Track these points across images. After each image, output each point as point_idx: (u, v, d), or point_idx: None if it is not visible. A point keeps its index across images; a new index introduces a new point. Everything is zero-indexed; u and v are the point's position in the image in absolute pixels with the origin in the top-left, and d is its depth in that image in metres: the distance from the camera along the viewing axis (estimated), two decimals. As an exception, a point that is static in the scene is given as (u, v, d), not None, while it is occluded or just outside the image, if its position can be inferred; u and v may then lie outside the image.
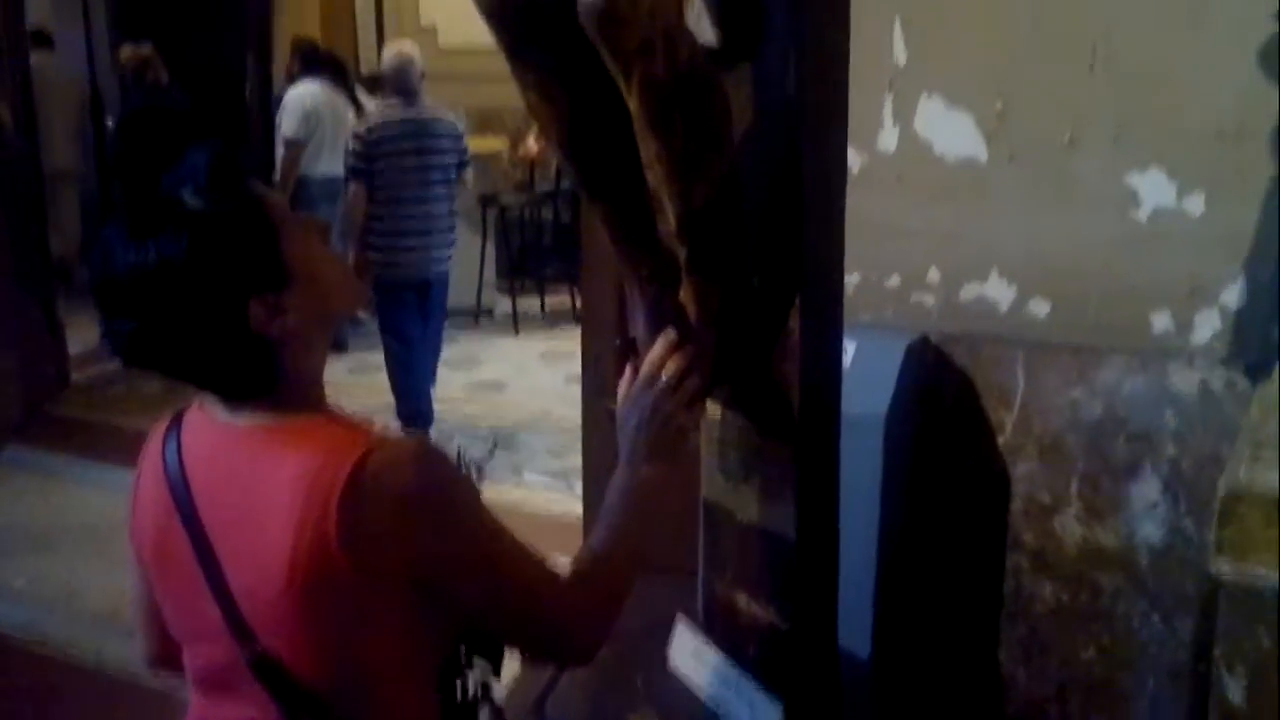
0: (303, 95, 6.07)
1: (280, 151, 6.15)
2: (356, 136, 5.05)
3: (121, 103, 6.16)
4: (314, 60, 6.20)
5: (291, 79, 6.20)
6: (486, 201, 7.12)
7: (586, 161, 1.58)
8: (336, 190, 5.59)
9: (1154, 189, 2.13)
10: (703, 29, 1.62)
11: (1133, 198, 2.15)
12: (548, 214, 7.58)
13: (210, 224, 1.24)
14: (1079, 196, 2.20)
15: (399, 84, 5.05)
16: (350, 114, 6.10)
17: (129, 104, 6.11)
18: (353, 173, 5.03)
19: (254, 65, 7.21)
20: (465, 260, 6.88)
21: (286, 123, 6.03)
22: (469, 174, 5.41)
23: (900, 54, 2.22)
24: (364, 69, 7.65)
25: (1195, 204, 2.11)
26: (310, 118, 6.01)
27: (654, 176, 1.51)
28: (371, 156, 4.96)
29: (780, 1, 1.59)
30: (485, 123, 7.72)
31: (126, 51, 6.46)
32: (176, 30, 7.06)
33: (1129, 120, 2.13)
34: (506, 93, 1.57)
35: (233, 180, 1.29)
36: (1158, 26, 2.07)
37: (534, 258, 7.58)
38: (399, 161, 4.99)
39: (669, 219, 1.56)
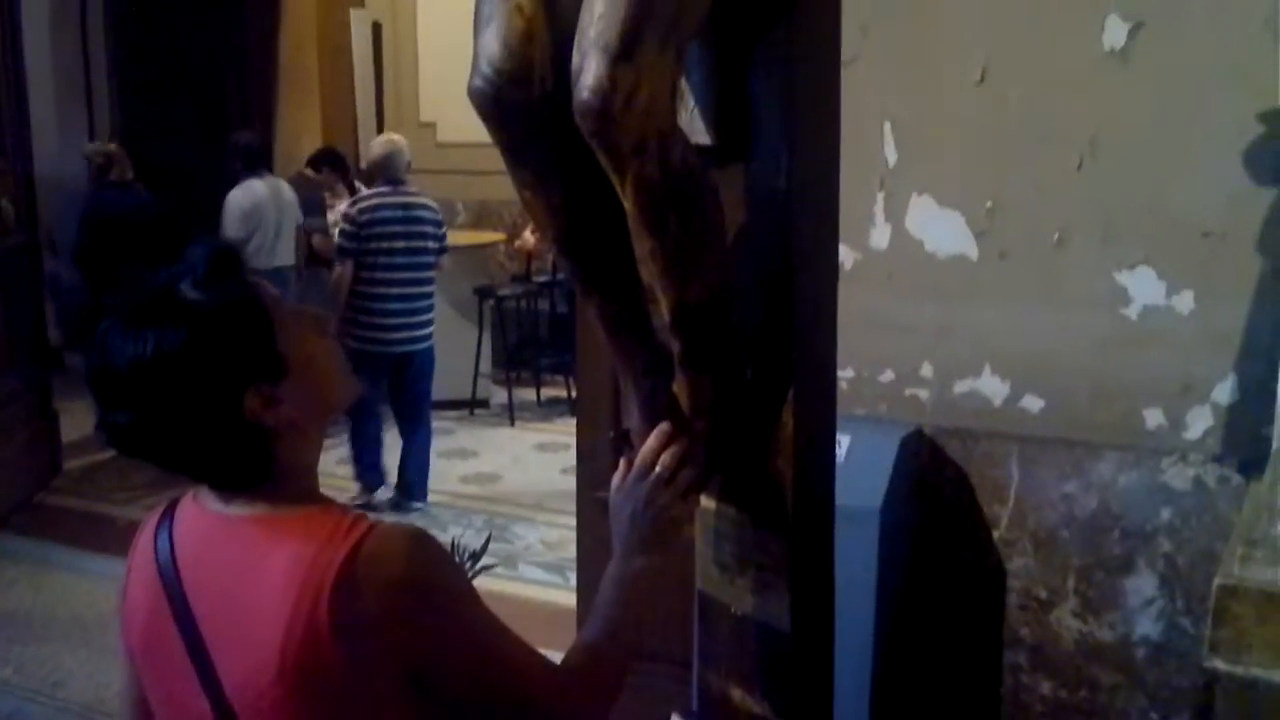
0: (242, 196, 6.22)
1: None
2: (347, 218, 5.34)
3: (87, 198, 6.29)
4: (254, 159, 6.36)
5: (234, 178, 6.33)
6: (483, 293, 7.18)
7: (581, 257, 1.60)
8: (285, 281, 5.97)
9: (1143, 287, 2.16)
10: (696, 128, 1.65)
11: (1122, 295, 2.18)
12: (544, 305, 7.62)
13: (208, 316, 1.26)
14: (1069, 294, 2.23)
15: (387, 171, 5.38)
16: (297, 205, 6.36)
17: (94, 199, 6.25)
18: (341, 251, 5.33)
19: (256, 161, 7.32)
20: (461, 352, 6.92)
21: (227, 223, 6.18)
22: (446, 259, 5.69)
23: (891, 154, 2.27)
24: (363, 163, 7.77)
25: (1185, 302, 2.13)
26: (250, 217, 6.16)
27: (648, 272, 1.53)
28: (361, 237, 5.24)
29: (772, 102, 1.63)
30: (483, 216, 7.82)
31: (90, 148, 6.60)
32: (182, 126, 7.17)
33: (1117, 219, 2.17)
34: (504, 186, 1.60)
35: (231, 274, 1.31)
36: (1144, 127, 2.12)
37: (530, 349, 7.61)
38: (386, 243, 5.27)
39: (663, 313, 1.57)
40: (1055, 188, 2.21)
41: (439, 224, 5.54)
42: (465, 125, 1.55)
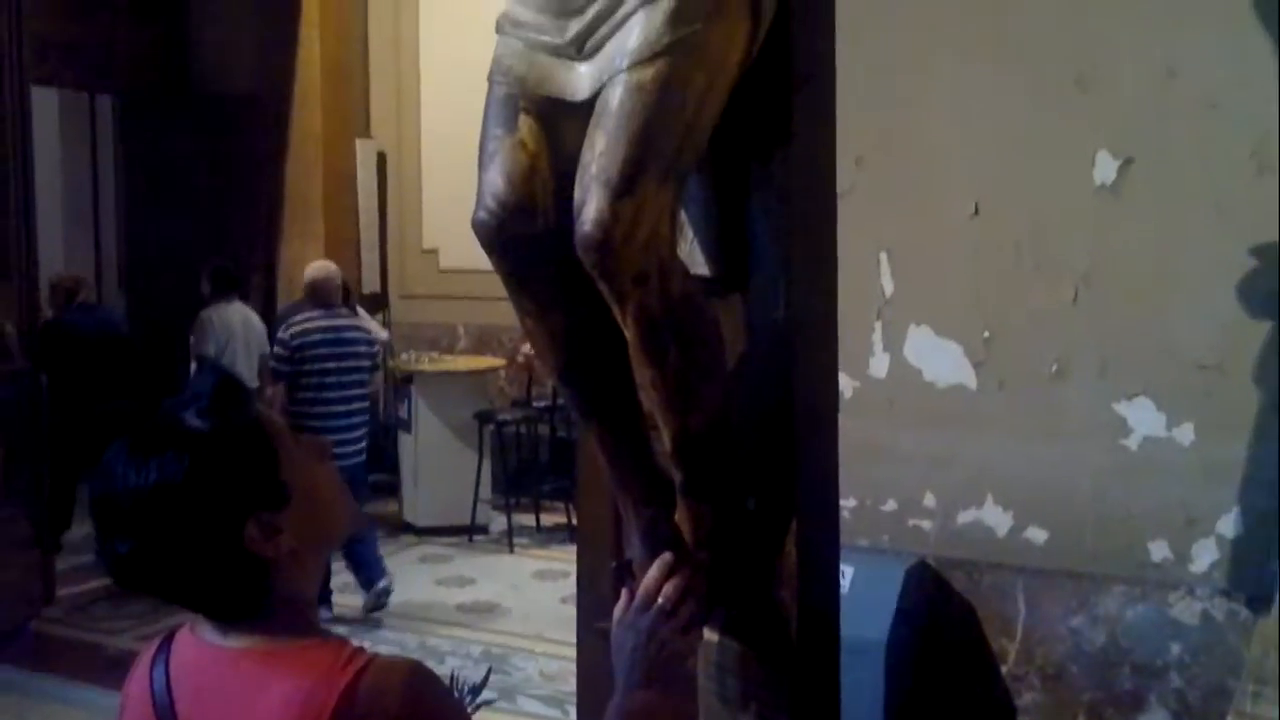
0: (212, 316, 6.43)
1: (194, 367, 6.55)
2: (279, 342, 5.52)
3: (53, 319, 6.50)
4: (225, 283, 6.55)
5: (206, 300, 6.53)
6: (483, 418, 7.18)
7: (582, 386, 1.61)
8: None
9: (1143, 418, 2.17)
10: (695, 259, 1.68)
11: (1122, 426, 2.19)
12: (544, 430, 7.62)
13: (211, 444, 1.25)
14: (1069, 424, 2.24)
15: (319, 295, 5.61)
16: (263, 331, 6.48)
17: (62, 319, 6.46)
18: (275, 374, 5.53)
19: (259, 285, 7.42)
20: (460, 477, 6.89)
21: (198, 339, 6.40)
22: (379, 377, 6.03)
23: (888, 284, 2.30)
24: (365, 289, 7.85)
25: (1185, 433, 2.14)
26: (219, 337, 6.35)
27: (649, 400, 1.54)
28: (293, 360, 5.43)
29: (770, 233, 1.65)
30: (484, 341, 7.87)
31: (57, 275, 6.83)
32: (186, 251, 7.26)
33: (1114, 350, 2.19)
34: (505, 312, 1.62)
35: (236, 403, 1.31)
36: (1137, 260, 2.15)
37: (530, 474, 7.58)
38: (318, 365, 5.45)
39: (664, 441, 1.57)
40: (1052, 319, 2.23)
41: (371, 344, 5.74)
42: (467, 252, 1.58)
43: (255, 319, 6.48)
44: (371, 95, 8.13)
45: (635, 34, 1.46)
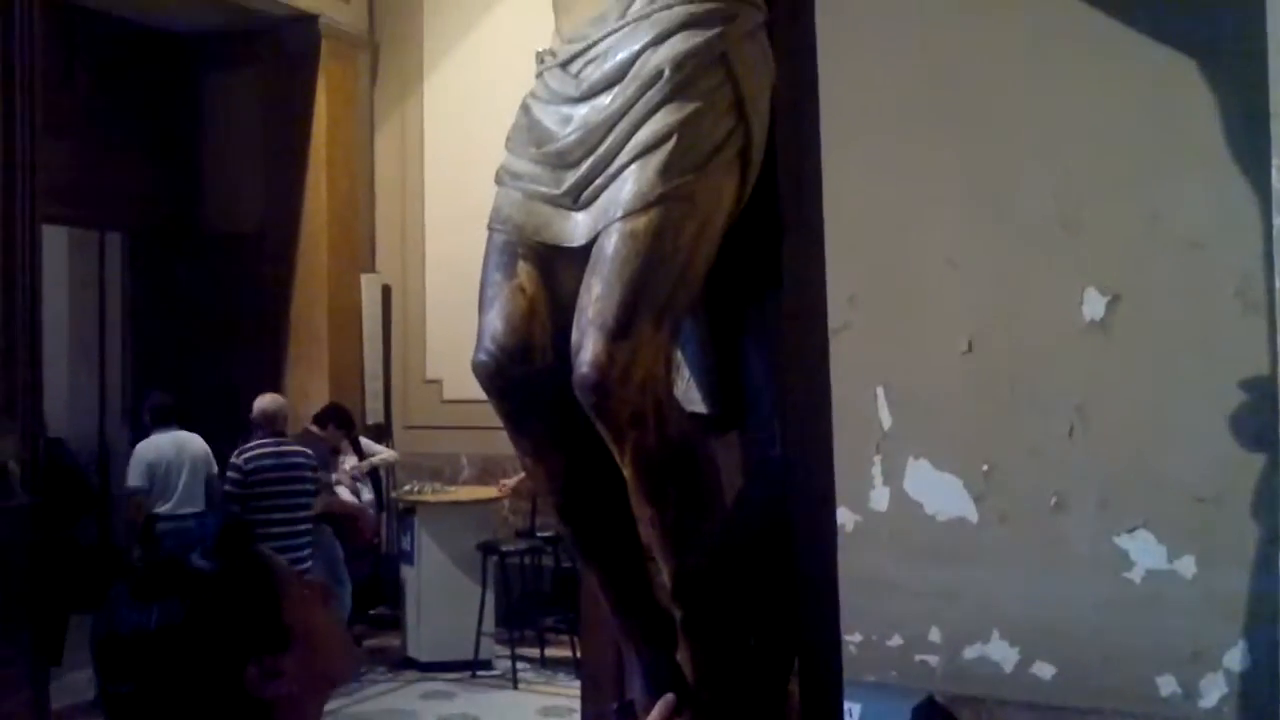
0: (147, 448, 6.53)
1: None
2: (234, 468, 5.91)
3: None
4: (161, 415, 6.66)
5: (145, 430, 6.66)
6: (486, 549, 7.12)
7: (581, 525, 1.62)
8: (188, 527, 6.29)
9: (1144, 551, 2.16)
10: (692, 398, 1.70)
11: (1124, 560, 2.18)
12: (548, 561, 7.55)
13: (213, 586, 1.26)
14: (1071, 558, 2.23)
15: (272, 424, 6.05)
16: (208, 458, 6.57)
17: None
18: (228, 498, 5.93)
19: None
20: (463, 610, 6.80)
21: (131, 472, 6.50)
22: (319, 501, 6.22)
23: (886, 418, 2.32)
24: (369, 419, 7.88)
25: (1187, 566, 2.13)
26: (153, 468, 6.47)
27: (648, 538, 1.54)
28: (246, 484, 5.83)
29: (765, 372, 1.68)
30: (487, 471, 7.86)
31: None
32: (187, 385, 7.32)
33: (1113, 484, 2.19)
34: (508, 442, 1.63)
35: (240, 545, 1.32)
36: (1130, 395, 2.18)
37: (534, 606, 7.49)
38: (268, 489, 5.86)
39: (664, 579, 1.58)
40: (1049, 452, 2.24)
41: (314, 468, 6.09)
42: (470, 382, 1.61)
43: (196, 444, 6.60)
44: (377, 231, 8.30)
45: (629, 185, 1.52)
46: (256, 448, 5.95)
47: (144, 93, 7.82)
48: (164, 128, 7.99)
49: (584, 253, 1.56)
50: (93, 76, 7.42)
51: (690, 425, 1.54)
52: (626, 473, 1.48)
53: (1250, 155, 2.06)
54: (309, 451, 6.12)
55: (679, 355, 1.68)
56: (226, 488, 5.97)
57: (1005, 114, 2.22)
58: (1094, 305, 2.20)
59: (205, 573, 1.27)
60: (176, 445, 6.58)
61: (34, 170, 5.72)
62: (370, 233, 8.27)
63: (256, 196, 8.02)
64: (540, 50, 1.76)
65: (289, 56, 7.82)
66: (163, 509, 6.48)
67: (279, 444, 6.03)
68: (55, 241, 7.42)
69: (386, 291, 8.29)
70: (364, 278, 8.15)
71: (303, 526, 6.01)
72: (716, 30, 1.56)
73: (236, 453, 6.06)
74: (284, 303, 7.99)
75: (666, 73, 1.53)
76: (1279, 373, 1.92)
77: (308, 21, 7.67)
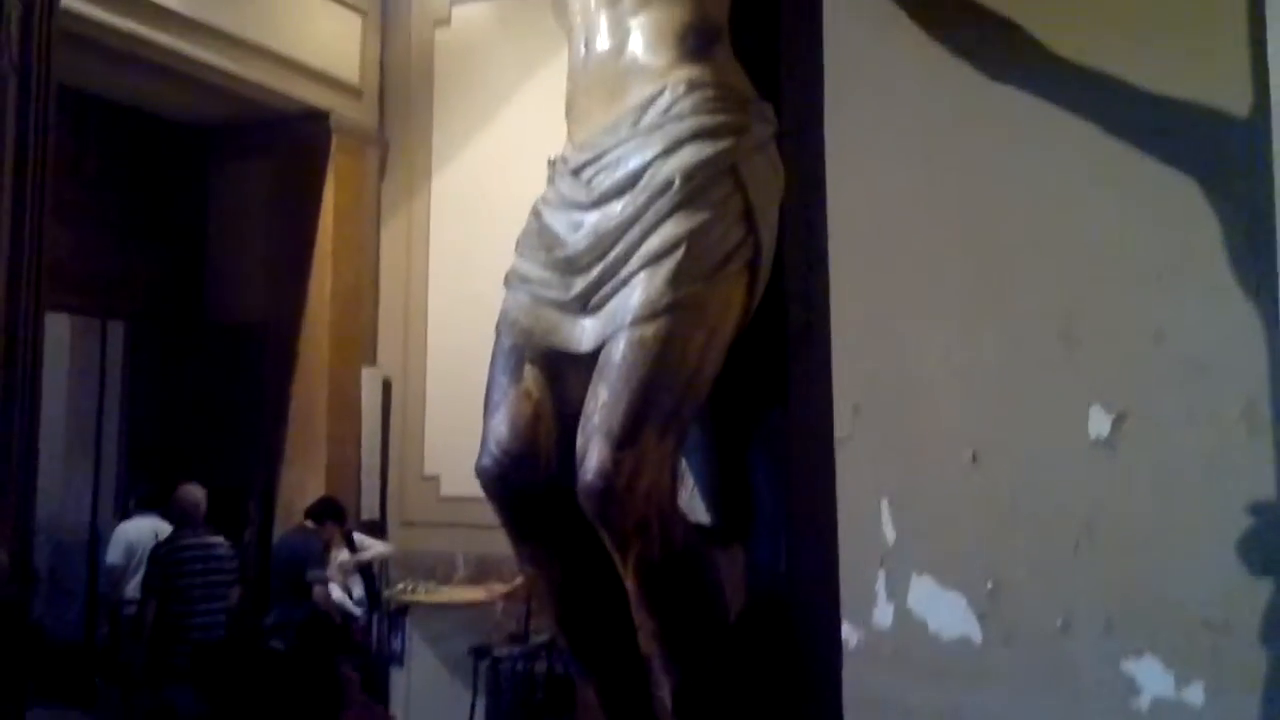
0: (128, 529, 6.83)
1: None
2: (153, 558, 6.11)
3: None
4: (146, 503, 6.90)
5: (126, 514, 7.01)
6: (478, 653, 6.99)
7: (580, 635, 1.59)
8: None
9: (1151, 677, 2.11)
10: (696, 507, 1.68)
11: (1131, 685, 2.13)
12: (541, 667, 7.41)
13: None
14: (1077, 682, 2.18)
15: (188, 517, 6.22)
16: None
17: None
18: (146, 589, 6.09)
19: (255, 512, 7.41)
20: (452, 718, 6.66)
21: (111, 551, 6.81)
22: (235, 592, 6.37)
23: (890, 532, 2.29)
24: (364, 515, 7.81)
25: (1195, 694, 2.08)
26: (132, 549, 6.71)
27: (649, 650, 1.51)
28: (166, 575, 6.01)
29: (770, 484, 1.67)
30: (483, 571, 7.76)
31: None
32: (182, 477, 7.27)
33: (1119, 606, 2.15)
34: (504, 541, 1.61)
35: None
36: (1136, 515, 2.15)
37: (527, 714, 7.33)
38: (187, 580, 6.02)
39: (664, 694, 1.54)
40: (1055, 572, 2.21)
41: (234, 558, 6.31)
42: (469, 479, 1.59)
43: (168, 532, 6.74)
44: (380, 325, 8.33)
45: (638, 293, 1.52)
46: (177, 538, 6.16)
47: (153, 181, 7.91)
48: (171, 217, 8.08)
49: (591, 359, 1.55)
50: (103, 164, 7.51)
51: (694, 537, 1.52)
52: (629, 583, 1.46)
53: (1254, 278, 2.07)
54: (227, 544, 6.31)
55: (683, 464, 1.67)
56: (145, 580, 6.18)
57: (1010, 228, 2.23)
58: (1099, 423, 2.18)
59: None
60: (154, 531, 6.77)
61: (40, 259, 5.75)
62: (373, 327, 8.31)
63: (261, 288, 8.07)
64: (552, 157, 1.78)
65: (299, 150, 7.94)
66: (134, 594, 6.61)
67: (199, 534, 6.21)
68: (58, 328, 7.45)
69: (387, 386, 8.29)
70: (365, 371, 8.16)
71: (220, 617, 6.21)
72: (727, 142, 1.58)
73: (156, 544, 6.30)
74: (283, 395, 7.98)
75: (677, 183, 1.55)
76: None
77: (319, 117, 7.80)
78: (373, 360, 8.27)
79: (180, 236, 8.15)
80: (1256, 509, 2.04)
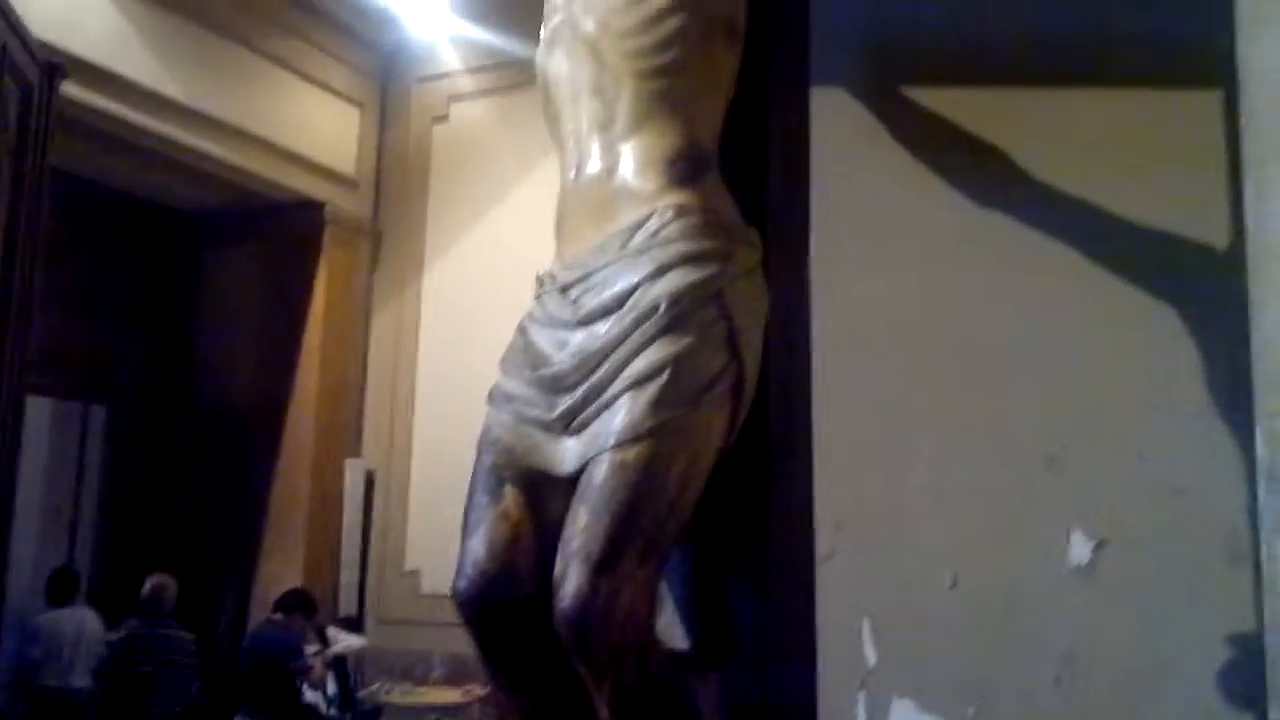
0: (42, 622, 6.71)
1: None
2: (107, 645, 6.09)
3: None
4: (62, 592, 6.81)
5: (46, 604, 6.86)
6: (454, 757, 6.86)
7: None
8: (78, 698, 6.35)
9: (1133, 809, 2.08)
10: (674, 633, 1.67)
11: (1112, 818, 2.10)
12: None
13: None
14: (1058, 813, 2.15)
15: (152, 605, 6.15)
16: (101, 637, 6.57)
17: None
18: (97, 675, 6.10)
19: (232, 603, 7.31)
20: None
21: (27, 644, 6.64)
22: (196, 685, 6.28)
23: (870, 654, 2.27)
24: (340, 611, 7.69)
25: (1178, 828, 2.05)
26: (51, 640, 6.59)
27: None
28: (120, 661, 5.99)
29: (748, 606, 1.65)
30: (459, 672, 7.63)
31: None
32: (157, 566, 7.18)
33: (1101, 734, 2.13)
34: (482, 644, 1.59)
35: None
36: (1117, 644, 2.13)
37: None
38: (139, 669, 5.99)
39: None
40: (1037, 698, 2.18)
41: (193, 653, 6.21)
42: (450, 575, 1.57)
43: (89, 619, 6.69)
44: (365, 417, 8.30)
45: (621, 416, 1.52)
46: (135, 626, 6.10)
47: (143, 266, 7.91)
48: (160, 302, 8.07)
49: (573, 481, 1.55)
50: (92, 247, 7.52)
51: (671, 666, 1.50)
52: (603, 712, 1.44)
53: (1233, 408, 2.08)
54: (188, 636, 6.23)
55: (663, 588, 1.66)
56: (98, 667, 6.18)
57: (993, 352, 2.25)
58: (1080, 549, 2.17)
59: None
60: (75, 622, 6.74)
61: (25, 345, 5.74)
62: (358, 418, 8.28)
63: (247, 376, 8.05)
64: (540, 273, 1.79)
65: (292, 239, 7.97)
66: (53, 682, 6.59)
67: (160, 624, 6.15)
68: (38, 411, 7.40)
69: (370, 478, 8.23)
70: (348, 463, 8.11)
71: (175, 708, 6.11)
72: (713, 268, 1.60)
73: (110, 630, 6.25)
74: (265, 485, 7.92)
75: (663, 307, 1.56)
76: (1265, 629, 1.90)
77: (313, 207, 7.86)
78: (357, 452, 8.22)
79: (169, 322, 8.15)
80: (1235, 640, 2.03)
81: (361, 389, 8.27)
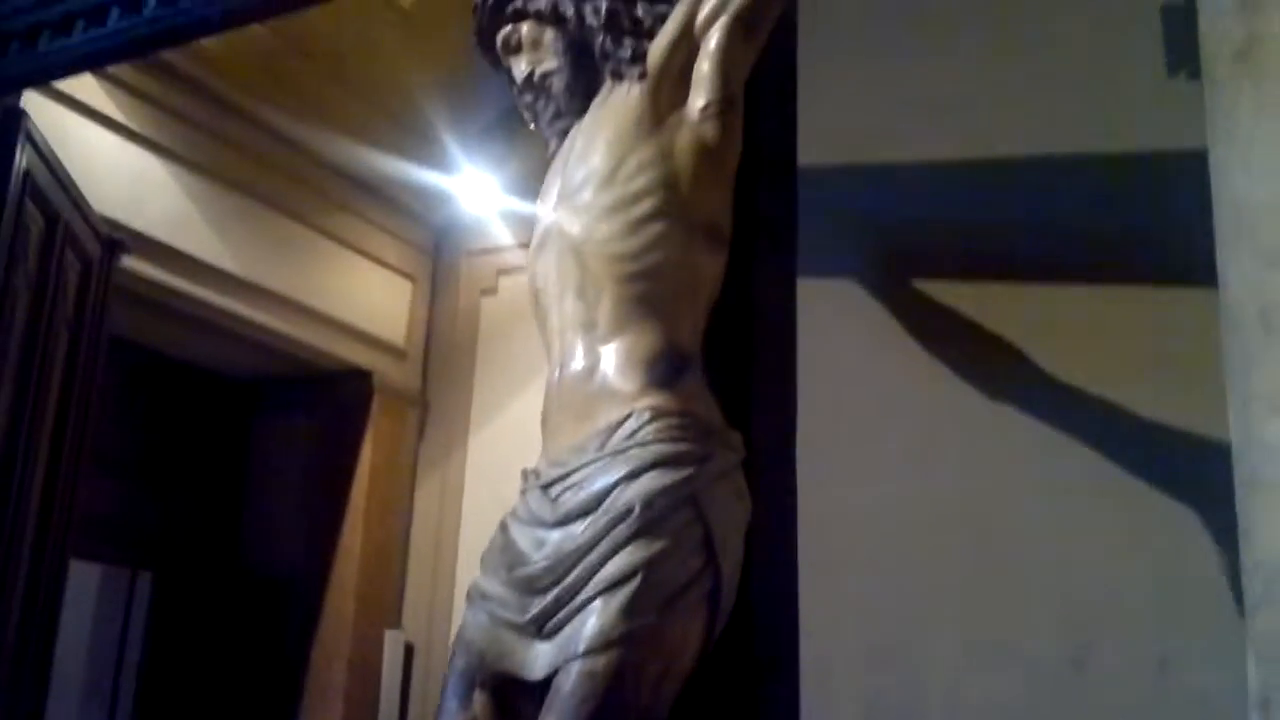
0: None
1: None
2: None
3: None
4: None
5: None
6: None
7: None
8: None
9: None
10: None
11: None
12: None
13: None
14: None
15: None
16: None
17: None
18: None
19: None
20: None
21: None
22: None
23: None
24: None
25: None
26: None
27: None
28: None
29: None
30: None
31: None
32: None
33: None
34: None
35: None
36: None
37: None
38: None
39: None
40: None
41: None
42: None
43: None
44: (406, 588, 8.24)
45: (592, 621, 1.49)
46: None
47: (194, 433, 8.06)
48: (209, 468, 8.18)
49: (544, 686, 1.52)
50: (146, 414, 7.68)
51: None
52: None
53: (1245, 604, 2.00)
54: None
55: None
56: None
57: (1011, 544, 2.20)
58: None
59: None
60: None
61: (72, 509, 5.81)
62: (399, 589, 8.22)
63: (292, 543, 8.06)
64: (526, 469, 1.79)
65: (340, 408, 8.08)
66: None
67: None
68: (86, 577, 7.45)
69: (409, 650, 8.12)
70: (388, 634, 8.02)
71: None
72: (688, 471, 1.59)
73: None
74: (304, 653, 7.84)
75: (636, 509, 1.54)
76: None
77: (363, 376, 7.98)
78: (397, 623, 8.14)
79: (218, 488, 8.23)
80: None
81: (404, 560, 8.23)
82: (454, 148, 7.81)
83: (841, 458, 1.90)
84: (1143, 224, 2.18)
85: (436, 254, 8.56)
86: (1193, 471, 2.09)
